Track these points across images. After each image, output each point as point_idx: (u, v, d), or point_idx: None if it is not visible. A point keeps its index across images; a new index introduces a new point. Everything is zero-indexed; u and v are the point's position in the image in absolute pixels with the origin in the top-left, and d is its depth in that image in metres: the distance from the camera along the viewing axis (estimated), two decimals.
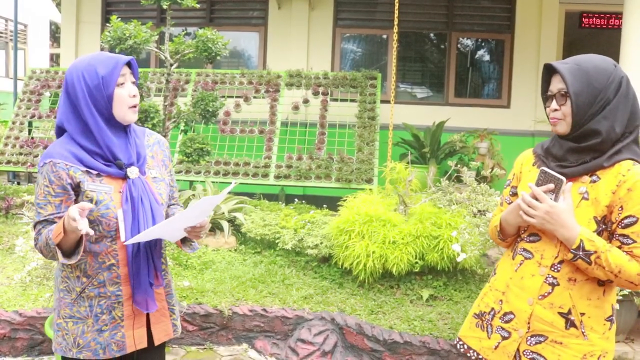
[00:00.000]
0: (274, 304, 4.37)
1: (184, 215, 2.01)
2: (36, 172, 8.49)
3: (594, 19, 9.28)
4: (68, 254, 1.99)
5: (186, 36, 6.08)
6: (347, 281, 4.74)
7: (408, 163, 5.53)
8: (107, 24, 5.39)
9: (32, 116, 8.32)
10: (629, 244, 1.86)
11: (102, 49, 9.19)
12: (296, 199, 7.11)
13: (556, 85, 1.97)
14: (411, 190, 5.10)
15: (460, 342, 2.24)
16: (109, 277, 2.08)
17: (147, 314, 2.17)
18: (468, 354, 2.19)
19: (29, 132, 8.48)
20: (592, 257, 1.84)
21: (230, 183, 6.74)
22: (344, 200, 5.10)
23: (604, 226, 1.91)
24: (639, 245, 1.84)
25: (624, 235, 1.87)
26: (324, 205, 6.32)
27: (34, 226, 2.07)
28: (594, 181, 1.92)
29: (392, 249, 4.46)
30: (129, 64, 2.10)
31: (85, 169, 2.03)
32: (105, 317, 2.09)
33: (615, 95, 1.90)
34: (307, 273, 4.99)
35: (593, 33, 10.34)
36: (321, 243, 4.95)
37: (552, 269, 1.97)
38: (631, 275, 1.83)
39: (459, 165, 4.93)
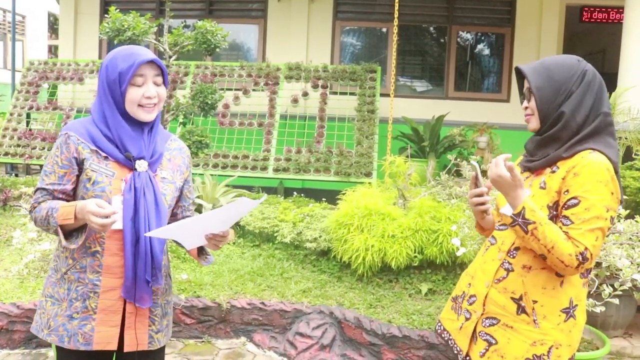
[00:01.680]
0: (273, 297, 4.36)
1: (212, 215, 1.96)
2: (34, 164, 8.48)
3: (595, 13, 9.25)
4: (67, 235, 2.00)
5: (185, 28, 6.04)
6: (346, 275, 4.73)
7: (407, 157, 5.51)
8: (106, 15, 5.35)
9: (30, 108, 8.29)
10: (567, 225, 1.88)
11: (100, 41, 9.16)
12: (295, 192, 7.09)
13: (525, 85, 2.08)
14: (410, 184, 5.09)
15: (439, 324, 2.31)
16: (91, 263, 2.03)
17: (123, 317, 2.07)
18: (442, 335, 2.26)
19: (27, 123, 8.45)
20: (530, 227, 1.88)
21: (229, 176, 6.72)
22: (343, 194, 5.08)
23: (555, 212, 1.95)
24: (576, 227, 1.86)
25: (565, 217, 1.90)
26: (323, 199, 6.31)
27: (35, 191, 2.09)
28: (553, 172, 1.97)
29: (391, 242, 4.45)
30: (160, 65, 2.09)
31: (94, 148, 2.04)
32: (78, 304, 2.03)
33: (579, 86, 1.96)
34: (305, 266, 4.98)
35: (594, 27, 10.31)
36: (320, 236, 4.93)
37: (509, 254, 2.03)
38: (563, 253, 1.84)
39: (458, 159, 4.91)
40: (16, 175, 8.69)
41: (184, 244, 2.15)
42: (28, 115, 8.52)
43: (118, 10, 5.21)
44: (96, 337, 2.03)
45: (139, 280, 2.03)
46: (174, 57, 5.59)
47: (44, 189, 2.06)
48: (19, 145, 7.84)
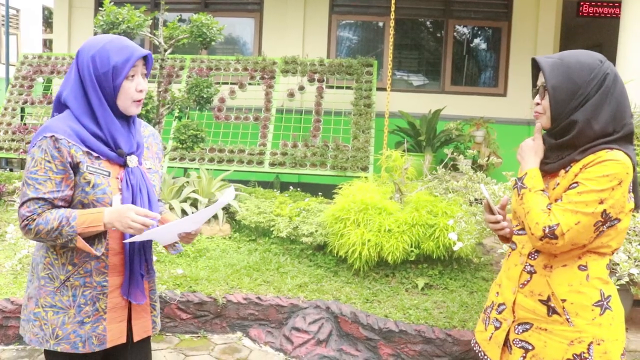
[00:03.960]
0: (269, 292, 4.35)
1: (184, 221, 2.01)
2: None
3: (592, 7, 9.23)
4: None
5: (180, 22, 6.00)
6: (342, 269, 4.71)
7: (404, 151, 5.49)
8: (100, 9, 5.31)
9: (25, 102, 8.24)
10: (557, 202, 1.89)
11: (95, 34, 9.07)
12: (291, 187, 7.07)
13: (540, 79, 1.98)
14: (407, 178, 5.07)
15: (474, 340, 2.26)
16: (97, 266, 2.01)
17: (130, 309, 2.11)
18: (474, 348, 2.21)
19: (22, 118, 8.40)
20: (522, 191, 1.94)
21: (225, 170, 6.68)
22: (340, 188, 5.06)
23: None
24: (561, 204, 1.86)
25: (561, 198, 1.90)
26: (319, 193, 6.29)
27: (25, 202, 1.93)
28: (567, 171, 1.94)
29: (388, 237, 4.43)
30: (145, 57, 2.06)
31: (86, 149, 1.97)
32: (88, 308, 2.01)
33: (597, 92, 1.87)
34: (302, 261, 4.97)
35: (591, 21, 10.29)
36: (316, 231, 4.92)
37: (530, 257, 2.00)
38: (532, 220, 1.87)
39: (455, 154, 4.89)
40: (10, 170, 8.63)
41: (159, 242, 2.17)
42: (22, 110, 8.46)
43: (112, 3, 5.17)
44: (109, 335, 2.05)
45: (135, 276, 2.05)
46: (169, 51, 5.56)
47: (41, 198, 1.92)
48: (13, 140, 7.79)
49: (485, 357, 2.12)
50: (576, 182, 1.86)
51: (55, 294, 2.02)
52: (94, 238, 1.98)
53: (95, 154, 1.98)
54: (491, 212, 2.06)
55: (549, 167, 1.99)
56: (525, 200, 1.92)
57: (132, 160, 2.04)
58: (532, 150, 1.99)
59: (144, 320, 2.15)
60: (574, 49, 2.01)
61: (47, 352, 2.09)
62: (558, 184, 1.94)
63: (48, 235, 1.91)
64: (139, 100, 2.05)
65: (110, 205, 1.97)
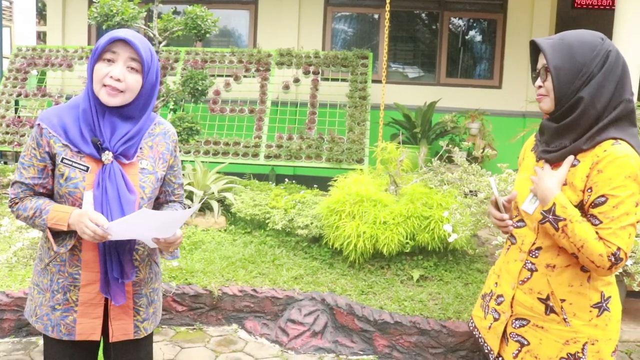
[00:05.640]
0: (264, 284, 4.35)
1: (145, 217, 1.85)
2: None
3: None
4: (54, 234, 1.99)
5: (175, 14, 5.98)
6: (338, 261, 4.72)
7: (399, 143, 5.49)
8: (94, 1, 5.28)
9: (19, 95, 8.20)
10: (596, 224, 1.80)
11: (89, 27, 9.05)
12: (286, 179, 7.07)
13: (541, 61, 1.93)
14: (402, 170, 5.08)
15: (471, 321, 2.28)
16: (70, 258, 2.00)
17: (106, 308, 2.05)
18: (474, 333, 2.23)
19: (16, 110, 8.37)
20: (560, 224, 1.81)
21: (220, 163, 6.68)
22: (335, 181, 5.06)
23: (580, 211, 1.87)
24: (605, 226, 1.78)
25: (593, 216, 1.82)
26: (315, 186, 6.29)
27: (12, 184, 2.03)
28: (574, 165, 1.88)
29: (383, 229, 4.44)
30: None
31: (66, 142, 1.95)
32: (59, 296, 2.02)
33: (601, 69, 1.82)
34: (297, 253, 4.97)
35: (586, 13, 10.28)
36: (311, 223, 4.92)
37: (530, 254, 1.97)
38: (593, 253, 1.77)
39: (450, 146, 4.89)
40: (5, 163, 8.60)
41: (146, 243, 2.07)
42: (16, 102, 8.43)
43: None
44: (78, 328, 2.03)
45: (110, 277, 1.99)
46: (163, 43, 5.53)
47: (23, 183, 2.00)
48: (7, 133, 7.76)
49: (485, 344, 2.13)
50: (603, 196, 1.79)
51: (40, 274, 2.08)
52: (66, 233, 1.98)
53: (75, 149, 1.96)
54: (498, 208, 2.00)
55: (552, 156, 1.92)
56: (572, 234, 1.79)
57: (106, 157, 1.95)
58: (553, 177, 1.86)
59: (123, 323, 2.08)
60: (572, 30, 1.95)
61: (45, 337, 2.12)
62: (565, 180, 1.88)
63: (26, 221, 2.02)
64: (112, 88, 1.91)
65: (81, 199, 1.94)
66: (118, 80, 1.92)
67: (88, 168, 1.95)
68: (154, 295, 2.21)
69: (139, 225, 1.88)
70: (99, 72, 1.93)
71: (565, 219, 1.80)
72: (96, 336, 2.05)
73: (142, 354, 2.22)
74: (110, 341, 2.09)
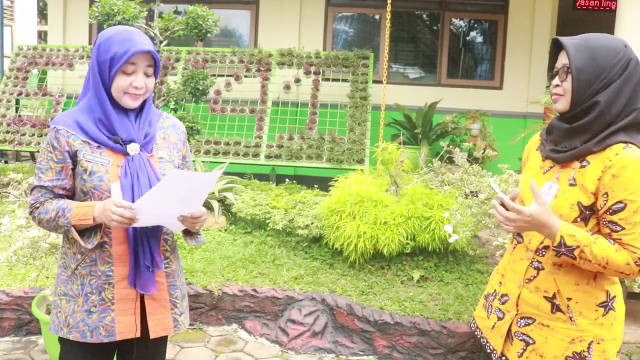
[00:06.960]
0: (264, 284, 4.35)
1: (173, 180, 1.85)
2: (24, 151, 8.40)
3: (589, 1, 9.23)
4: (79, 234, 1.99)
5: (176, 14, 5.98)
6: (338, 262, 4.72)
7: (400, 144, 5.49)
8: (95, 0, 5.28)
9: (20, 94, 8.20)
10: (617, 230, 1.80)
11: (90, 26, 9.05)
12: (287, 179, 7.06)
13: (561, 60, 1.93)
14: (403, 171, 5.08)
15: (473, 321, 2.27)
16: (101, 255, 2.01)
17: (143, 303, 2.06)
18: (476, 333, 2.22)
19: (17, 109, 8.37)
20: (576, 252, 1.80)
21: (221, 163, 6.68)
22: (335, 181, 5.06)
23: (590, 212, 1.86)
24: (627, 232, 1.78)
25: (612, 222, 1.81)
26: (315, 186, 6.29)
27: (31, 191, 2.05)
28: (583, 166, 1.87)
29: (383, 229, 4.44)
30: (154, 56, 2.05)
31: (85, 139, 2.01)
32: (94, 297, 2.01)
33: (621, 76, 1.83)
34: (297, 253, 4.97)
35: (587, 14, 10.28)
36: (312, 223, 4.92)
37: (537, 253, 1.97)
38: (620, 265, 1.77)
39: (451, 146, 4.89)
40: (5, 162, 8.60)
41: (171, 229, 2.12)
42: (17, 102, 8.42)
43: None
44: (118, 327, 2.02)
45: (140, 266, 2.02)
46: (164, 43, 5.53)
47: (42, 186, 2.03)
48: (8, 132, 7.76)
49: (488, 344, 2.12)
50: (621, 202, 1.78)
51: (67, 282, 2.06)
52: (90, 230, 2.00)
53: (95, 144, 2.02)
54: (504, 208, 1.95)
55: (560, 157, 1.92)
56: (592, 256, 1.78)
57: (132, 148, 2.03)
58: (542, 215, 1.81)
59: (162, 317, 2.09)
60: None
61: (62, 341, 2.11)
62: (574, 179, 1.88)
63: (48, 224, 2.01)
64: (135, 95, 2.02)
65: (109, 192, 1.98)
66: (136, 87, 2.02)
67: (110, 161, 2.01)
68: (184, 289, 2.24)
69: (164, 200, 1.90)
70: (121, 83, 2.00)
71: (578, 246, 1.80)
72: (136, 333, 2.05)
73: (161, 352, 2.25)
74: (150, 337, 2.07)
